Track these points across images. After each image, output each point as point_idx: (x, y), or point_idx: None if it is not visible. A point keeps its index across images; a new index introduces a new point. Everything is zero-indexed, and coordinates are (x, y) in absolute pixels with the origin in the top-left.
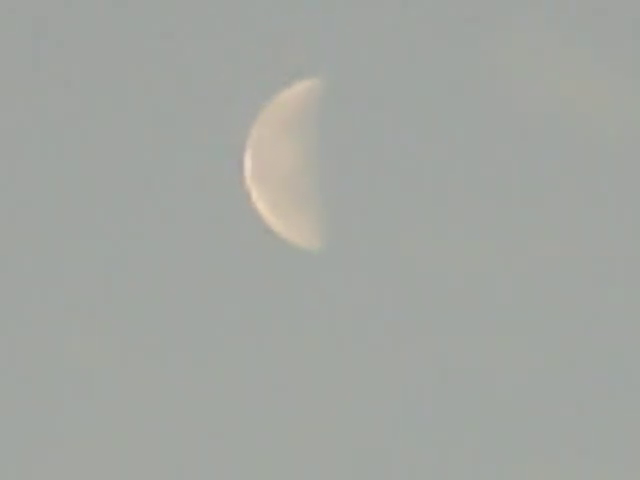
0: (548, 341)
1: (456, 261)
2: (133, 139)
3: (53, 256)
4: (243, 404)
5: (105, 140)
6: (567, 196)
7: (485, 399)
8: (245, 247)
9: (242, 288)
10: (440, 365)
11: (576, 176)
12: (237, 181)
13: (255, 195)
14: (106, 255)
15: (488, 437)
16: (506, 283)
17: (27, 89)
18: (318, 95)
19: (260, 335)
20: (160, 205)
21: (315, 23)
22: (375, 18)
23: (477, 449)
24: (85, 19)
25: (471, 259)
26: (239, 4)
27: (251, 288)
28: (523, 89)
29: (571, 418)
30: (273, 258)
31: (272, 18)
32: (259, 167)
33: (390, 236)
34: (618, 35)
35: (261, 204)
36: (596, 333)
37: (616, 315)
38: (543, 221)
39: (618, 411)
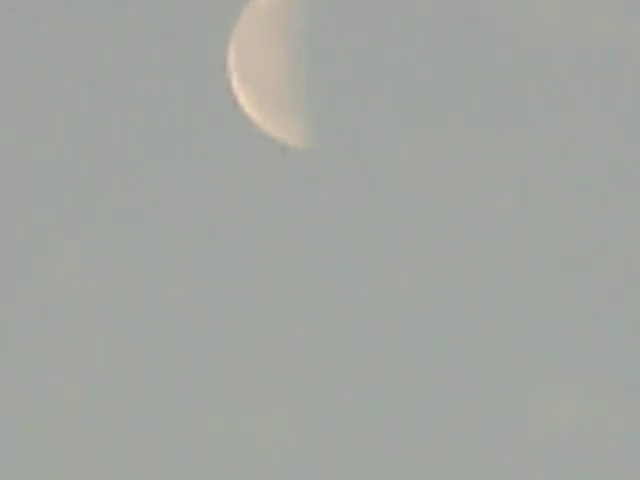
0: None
1: (442, 172)
2: (112, 38)
3: None
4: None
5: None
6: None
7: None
8: (233, 146)
9: (232, 188)
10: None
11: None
12: (221, 80)
13: (241, 94)
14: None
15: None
16: (491, 205)
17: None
18: None
19: (256, 236)
20: (144, 105)
21: None
22: None
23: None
24: None
25: (457, 175)
26: None
27: (241, 187)
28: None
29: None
30: (261, 156)
31: None
32: (243, 66)
33: (374, 144)
34: None
35: (247, 103)
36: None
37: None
38: (536, 149)
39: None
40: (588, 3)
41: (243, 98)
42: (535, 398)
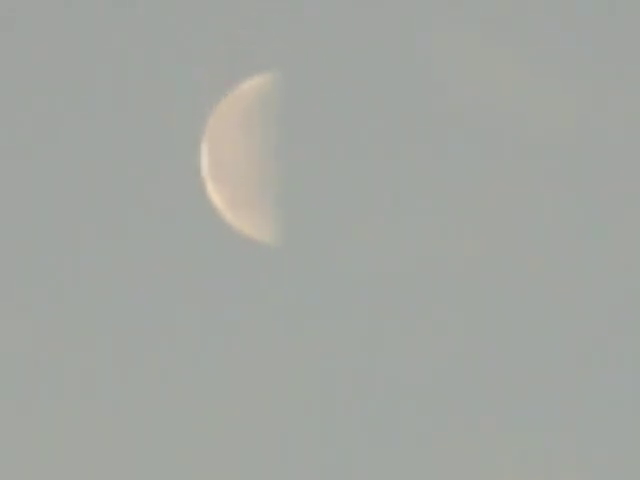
0: None
1: (407, 254)
2: (88, 130)
3: None
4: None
5: (61, 132)
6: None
7: None
8: (201, 241)
9: (199, 282)
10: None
11: (501, 173)
12: (193, 175)
13: (211, 189)
14: (61, 249)
15: None
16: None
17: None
18: (275, 89)
19: (218, 328)
20: (117, 199)
21: (274, 16)
22: (329, 16)
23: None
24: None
25: (426, 256)
26: None
27: (208, 281)
28: (445, 87)
29: None
30: (229, 251)
31: (231, 10)
32: (215, 161)
33: (345, 232)
34: (539, 33)
35: (217, 198)
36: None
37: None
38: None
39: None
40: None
41: (215, 197)
42: None
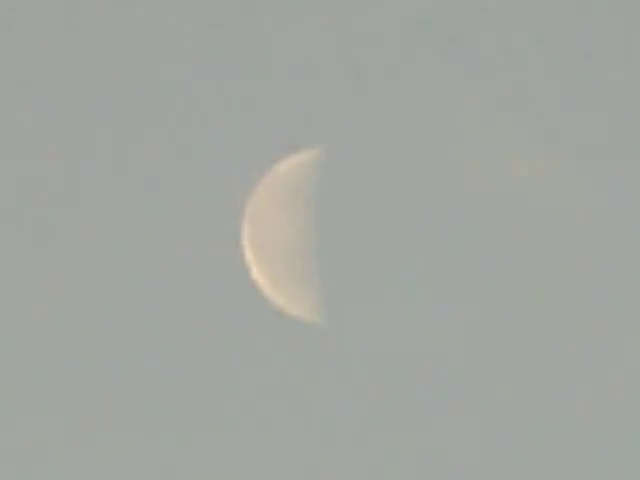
0: None
1: (450, 330)
2: (132, 210)
3: None
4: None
5: (100, 215)
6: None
7: None
8: (247, 321)
9: (244, 361)
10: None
11: (528, 256)
12: (236, 253)
13: (254, 268)
14: (105, 334)
15: None
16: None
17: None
18: (316, 167)
19: (265, 410)
20: (160, 279)
21: (313, 95)
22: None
23: None
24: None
25: (464, 330)
26: (238, 74)
27: (253, 362)
28: (474, 170)
29: None
30: (274, 331)
31: (271, 89)
32: (258, 239)
33: (388, 309)
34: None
35: (260, 277)
36: None
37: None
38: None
39: None
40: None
41: (257, 273)
42: None
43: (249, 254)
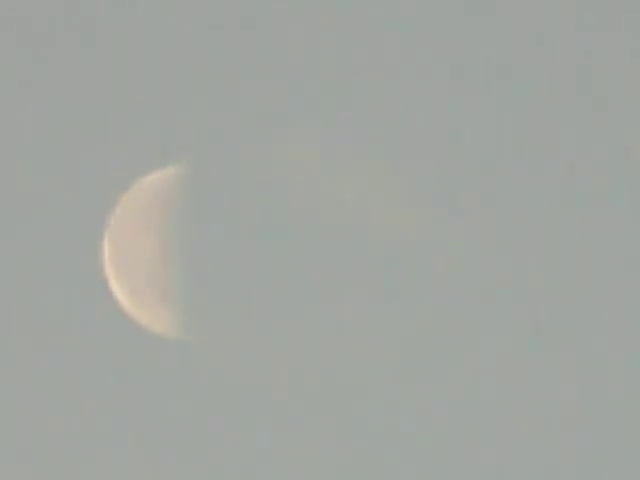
0: None
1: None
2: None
3: None
4: None
5: None
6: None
7: None
8: (105, 336)
9: (102, 376)
10: None
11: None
12: (95, 268)
13: (114, 283)
14: None
15: None
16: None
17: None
18: (179, 182)
19: (127, 433)
20: (18, 293)
21: (179, 107)
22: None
23: None
24: None
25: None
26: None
27: (109, 375)
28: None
29: None
30: (133, 346)
31: (134, 99)
32: (118, 254)
33: (253, 325)
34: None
35: (120, 292)
36: None
37: None
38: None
39: None
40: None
41: (118, 290)
42: None
43: (108, 268)
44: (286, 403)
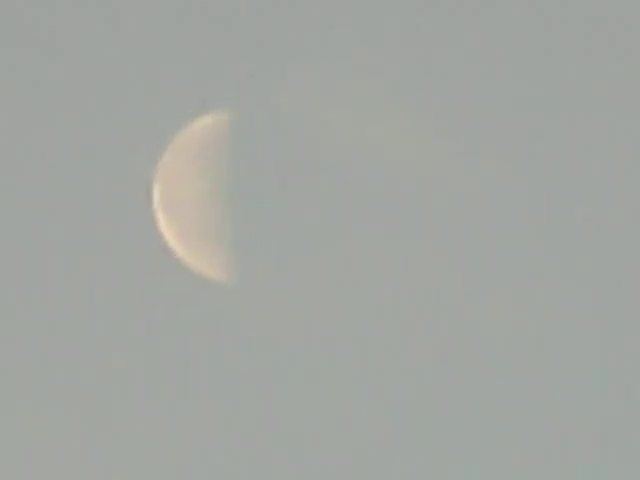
0: None
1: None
2: (40, 165)
3: None
4: None
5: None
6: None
7: None
8: (154, 277)
9: (151, 320)
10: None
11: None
12: (145, 210)
13: (163, 225)
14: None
15: None
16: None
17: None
18: (227, 128)
19: (174, 371)
20: (66, 232)
21: (226, 56)
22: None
23: None
24: None
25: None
26: (155, 33)
27: (160, 319)
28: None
29: None
30: (182, 289)
31: (183, 47)
32: (167, 197)
33: (299, 267)
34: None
35: (169, 234)
36: None
37: None
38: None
39: None
40: None
41: (167, 231)
42: None
43: (158, 210)
44: (343, 350)
